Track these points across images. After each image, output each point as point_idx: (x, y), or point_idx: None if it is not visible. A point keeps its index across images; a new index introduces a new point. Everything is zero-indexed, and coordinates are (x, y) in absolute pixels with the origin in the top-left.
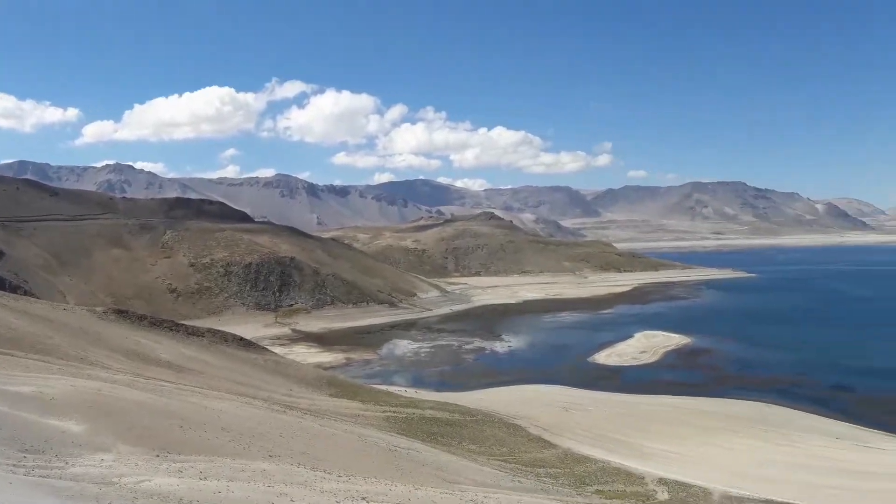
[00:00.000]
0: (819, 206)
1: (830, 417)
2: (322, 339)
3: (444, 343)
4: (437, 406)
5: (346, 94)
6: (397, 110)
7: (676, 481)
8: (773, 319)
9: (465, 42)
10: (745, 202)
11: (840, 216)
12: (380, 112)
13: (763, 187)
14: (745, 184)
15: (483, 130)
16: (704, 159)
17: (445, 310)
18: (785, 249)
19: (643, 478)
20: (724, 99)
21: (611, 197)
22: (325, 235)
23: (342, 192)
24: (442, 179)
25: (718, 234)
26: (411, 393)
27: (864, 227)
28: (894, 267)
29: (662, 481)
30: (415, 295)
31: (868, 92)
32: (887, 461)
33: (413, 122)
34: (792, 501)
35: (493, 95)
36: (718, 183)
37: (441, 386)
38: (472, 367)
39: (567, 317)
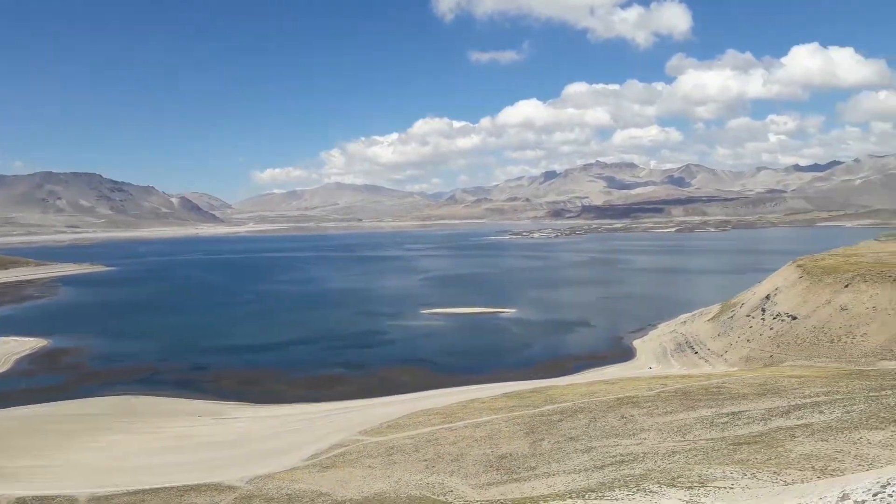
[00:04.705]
0: (174, 200)
1: (192, 398)
2: None
3: None
4: None
5: None
6: None
7: (37, 496)
8: (135, 310)
9: None
10: (102, 195)
11: (194, 209)
12: None
13: (120, 180)
14: (101, 176)
15: None
16: (57, 148)
17: None
18: (146, 241)
19: None
20: (78, 90)
21: None
22: None
23: None
24: None
25: (74, 227)
26: None
27: (214, 219)
28: (241, 255)
29: (21, 501)
30: None
31: (215, 97)
32: (239, 428)
33: None
34: (162, 484)
35: None
36: (72, 174)
37: None
38: None
39: None
